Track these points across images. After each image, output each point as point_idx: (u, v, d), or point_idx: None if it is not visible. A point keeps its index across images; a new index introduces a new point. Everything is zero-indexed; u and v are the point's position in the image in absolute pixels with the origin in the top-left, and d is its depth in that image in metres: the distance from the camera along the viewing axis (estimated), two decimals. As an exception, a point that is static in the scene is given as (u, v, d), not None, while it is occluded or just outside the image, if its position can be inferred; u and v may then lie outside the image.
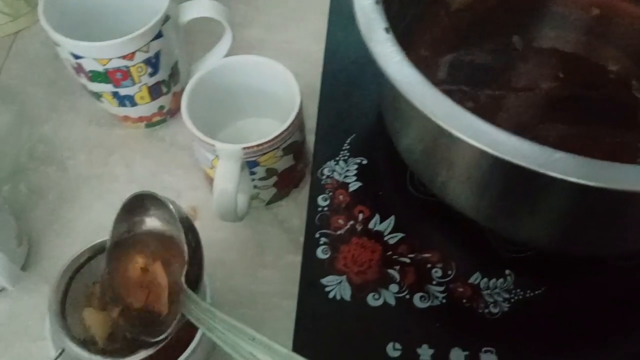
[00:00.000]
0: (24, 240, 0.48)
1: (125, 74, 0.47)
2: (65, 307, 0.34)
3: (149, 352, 0.33)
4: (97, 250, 0.37)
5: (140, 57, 0.47)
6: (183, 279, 0.33)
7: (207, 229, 0.49)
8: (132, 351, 0.33)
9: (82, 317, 0.34)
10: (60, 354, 0.34)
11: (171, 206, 0.35)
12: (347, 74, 0.48)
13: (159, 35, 0.47)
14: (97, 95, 0.50)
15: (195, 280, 0.34)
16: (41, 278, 0.47)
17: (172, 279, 0.35)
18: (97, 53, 0.45)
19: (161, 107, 0.53)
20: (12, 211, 0.48)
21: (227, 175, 0.43)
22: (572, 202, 0.34)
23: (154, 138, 0.55)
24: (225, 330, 0.29)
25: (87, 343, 0.34)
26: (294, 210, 0.49)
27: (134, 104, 0.50)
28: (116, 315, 0.34)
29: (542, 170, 0.29)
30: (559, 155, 0.29)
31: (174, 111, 0.54)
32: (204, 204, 0.50)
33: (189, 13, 0.49)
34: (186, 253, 0.34)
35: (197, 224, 0.50)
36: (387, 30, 0.35)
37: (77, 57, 0.46)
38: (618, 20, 0.47)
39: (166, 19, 0.47)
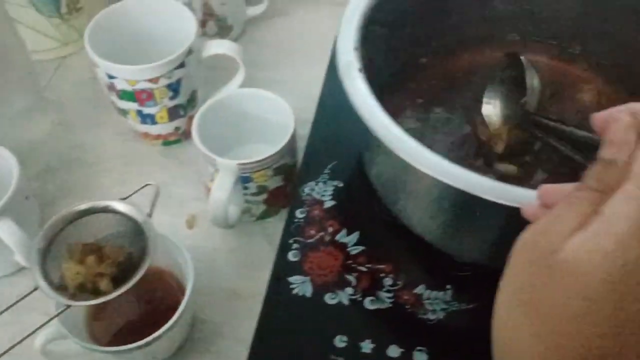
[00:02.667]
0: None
1: (150, 95, 0.56)
2: (47, 256, 0.41)
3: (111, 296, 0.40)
4: (79, 214, 0.43)
5: (163, 82, 0.55)
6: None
7: (202, 235, 0.57)
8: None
9: (62, 266, 0.41)
10: (32, 292, 0.41)
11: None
12: (336, 112, 0.56)
13: (181, 65, 0.55)
14: (124, 112, 0.59)
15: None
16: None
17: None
18: (128, 75, 0.54)
19: (177, 128, 0.61)
20: (38, 203, 0.57)
21: (222, 186, 0.51)
22: (501, 224, 0.41)
23: (168, 155, 0.63)
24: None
25: (59, 288, 0.40)
26: (280, 227, 0.56)
27: (154, 122, 0.59)
28: (92, 261, 0.40)
29: (476, 193, 0.35)
30: (489, 181, 0.36)
31: (189, 133, 0.62)
32: (203, 214, 0.58)
33: (210, 49, 0.58)
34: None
35: (195, 230, 0.58)
36: (360, 70, 0.42)
37: (111, 77, 0.55)
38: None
39: (189, 52, 0.56)
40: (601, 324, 0.23)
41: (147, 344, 0.43)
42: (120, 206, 0.43)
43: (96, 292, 0.41)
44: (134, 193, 0.45)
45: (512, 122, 0.49)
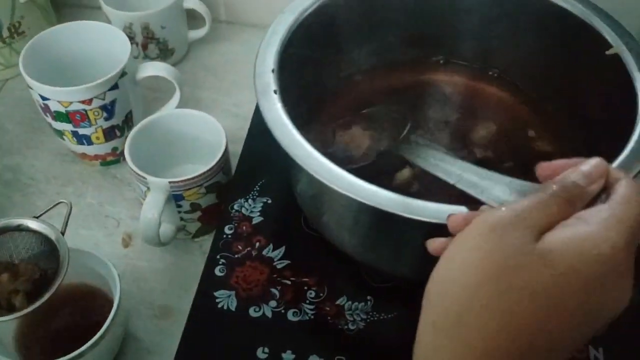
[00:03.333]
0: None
1: (84, 116, 0.57)
2: None
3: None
4: None
5: (97, 103, 0.56)
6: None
7: (138, 253, 0.58)
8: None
9: None
10: None
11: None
12: (266, 132, 0.58)
13: (115, 87, 0.56)
14: (60, 133, 0.60)
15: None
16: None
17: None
18: (61, 96, 0.55)
19: (115, 149, 0.62)
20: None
21: (153, 204, 0.51)
22: (411, 237, 0.42)
23: (107, 175, 0.63)
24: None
25: None
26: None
27: (90, 142, 0.60)
28: (6, 279, 0.41)
29: (387, 210, 0.37)
30: (392, 195, 0.37)
31: (127, 153, 0.63)
32: (139, 233, 0.58)
33: (145, 71, 0.59)
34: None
35: (130, 249, 0.59)
36: (275, 92, 0.44)
37: (44, 98, 0.56)
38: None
39: (123, 74, 0.57)
40: (572, 312, 0.26)
41: (75, 358, 0.43)
42: (33, 224, 0.44)
43: (10, 310, 0.41)
44: (46, 211, 0.46)
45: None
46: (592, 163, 0.30)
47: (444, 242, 0.31)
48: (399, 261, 0.46)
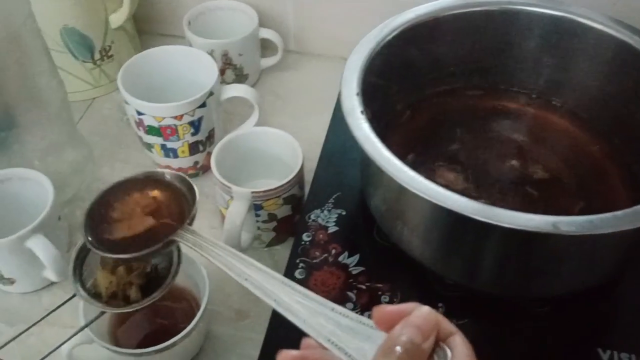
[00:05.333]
0: (69, 251, 0.61)
1: (174, 130, 0.62)
2: (83, 266, 0.46)
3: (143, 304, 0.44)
4: None
5: (187, 119, 0.62)
6: (188, 221, 0.44)
7: (215, 259, 0.62)
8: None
9: (96, 276, 0.46)
10: (71, 298, 0.46)
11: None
12: (339, 152, 0.63)
13: (203, 105, 0.62)
14: (149, 146, 0.65)
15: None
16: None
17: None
18: (156, 112, 0.61)
19: (196, 162, 0.67)
20: (67, 226, 0.62)
21: (236, 212, 0.56)
22: (485, 247, 0.46)
23: (187, 187, 0.68)
24: (221, 253, 0.39)
25: (94, 295, 0.45)
26: (287, 255, 0.61)
27: (176, 155, 0.65)
28: (122, 271, 0.45)
29: (468, 215, 0.40)
30: (476, 204, 0.41)
31: (206, 167, 0.68)
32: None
33: (229, 92, 0.65)
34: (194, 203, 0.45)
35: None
36: (362, 112, 0.48)
37: (140, 113, 0.61)
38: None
39: (210, 93, 0.62)
40: None
41: (166, 348, 0.47)
42: None
43: (126, 300, 0.45)
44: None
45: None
46: (423, 315, 0.31)
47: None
48: (470, 272, 0.50)
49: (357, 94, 0.50)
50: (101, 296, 0.45)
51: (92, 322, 0.47)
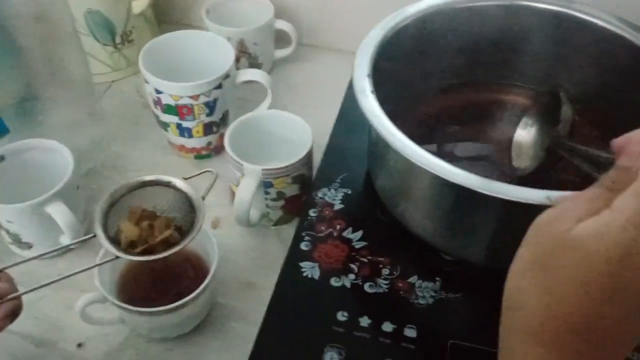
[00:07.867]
0: (85, 220, 0.64)
1: (190, 110, 0.65)
2: (109, 214, 0.48)
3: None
4: (143, 184, 0.51)
5: (202, 99, 0.64)
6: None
7: (225, 235, 0.65)
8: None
9: (120, 225, 0.48)
10: (90, 237, 0.48)
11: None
12: (347, 137, 0.65)
13: (218, 87, 0.65)
14: (165, 125, 0.68)
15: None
16: (90, 252, 0.62)
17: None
18: (173, 91, 0.63)
19: (209, 143, 0.70)
20: (84, 197, 0.65)
21: (247, 188, 0.59)
22: (493, 219, 0.48)
23: (200, 167, 0.70)
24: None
25: (113, 240, 0.47)
26: (293, 233, 0.64)
27: (190, 135, 0.68)
28: (146, 226, 0.47)
29: (468, 186, 0.43)
30: (481, 179, 0.44)
31: (219, 149, 0.71)
32: (226, 216, 0.65)
33: (244, 76, 0.68)
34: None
35: (218, 230, 0.66)
36: (372, 92, 0.51)
37: (158, 92, 0.64)
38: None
39: (226, 76, 0.65)
40: (601, 291, 0.29)
41: (176, 308, 0.50)
42: (181, 184, 0.51)
43: (143, 254, 0.47)
44: (194, 176, 0.52)
45: (540, 146, 0.57)
46: None
47: None
48: (467, 248, 0.52)
49: (368, 75, 0.52)
50: (120, 243, 0.48)
51: (106, 262, 0.48)
